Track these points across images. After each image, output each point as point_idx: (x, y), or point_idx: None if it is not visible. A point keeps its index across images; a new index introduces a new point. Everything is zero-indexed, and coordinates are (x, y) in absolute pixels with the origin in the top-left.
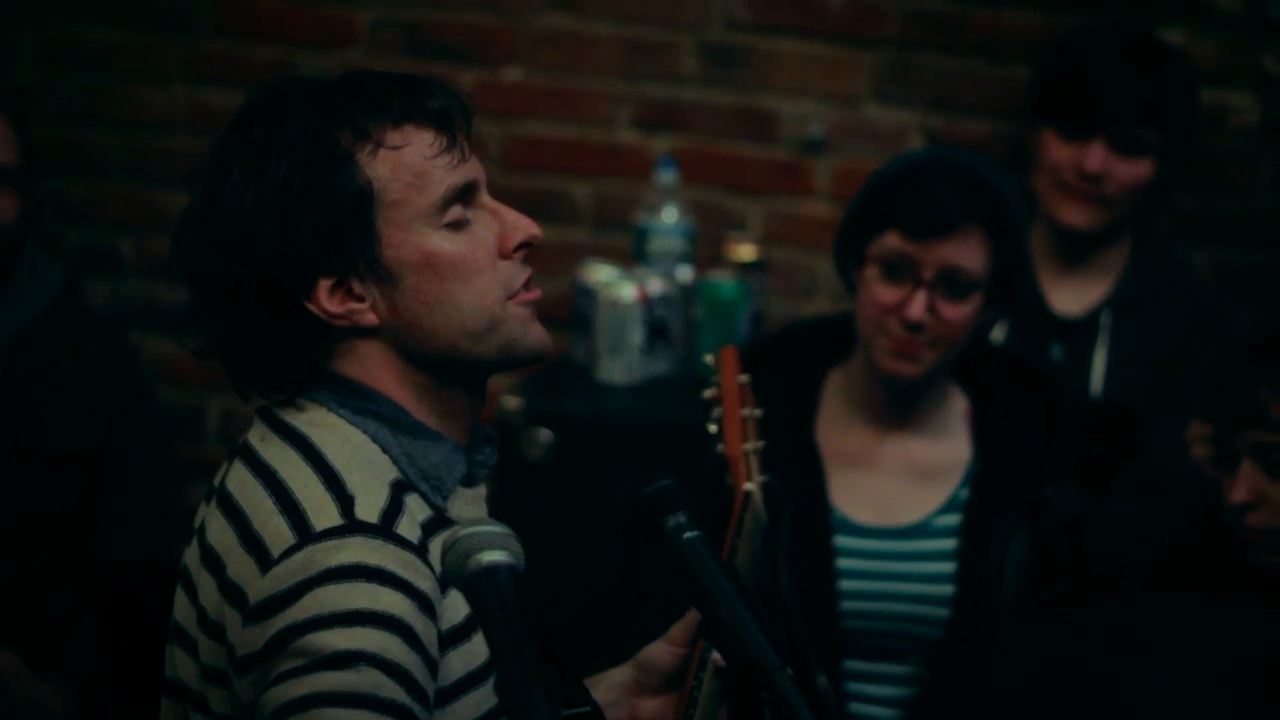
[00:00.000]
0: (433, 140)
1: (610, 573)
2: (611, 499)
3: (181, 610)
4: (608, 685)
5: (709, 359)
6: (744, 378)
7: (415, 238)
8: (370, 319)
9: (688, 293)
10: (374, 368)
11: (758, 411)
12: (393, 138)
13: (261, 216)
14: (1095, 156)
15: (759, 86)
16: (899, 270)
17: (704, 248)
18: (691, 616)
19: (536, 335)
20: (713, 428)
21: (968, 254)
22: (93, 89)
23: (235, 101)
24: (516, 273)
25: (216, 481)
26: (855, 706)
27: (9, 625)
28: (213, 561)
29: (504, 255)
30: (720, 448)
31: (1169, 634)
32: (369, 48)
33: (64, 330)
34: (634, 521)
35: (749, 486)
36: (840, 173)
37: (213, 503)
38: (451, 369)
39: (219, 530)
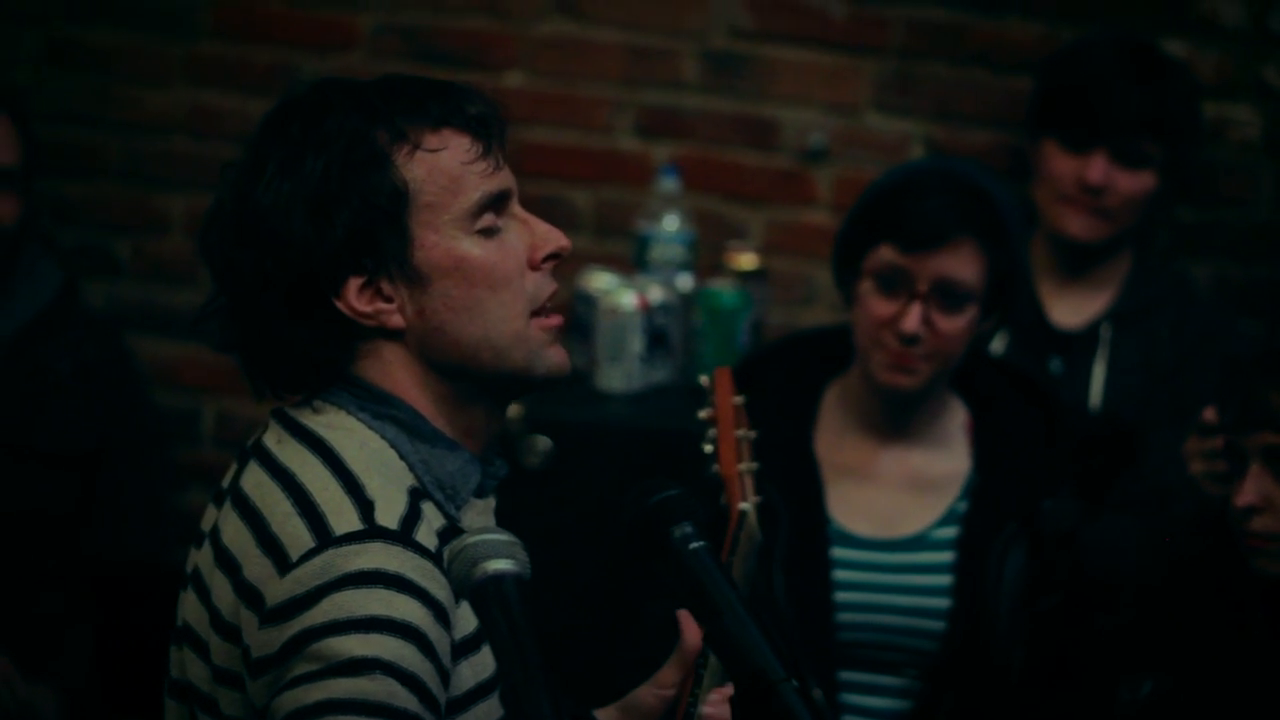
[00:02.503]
0: (469, 146)
1: (608, 582)
2: (618, 508)
3: (192, 612)
4: None
5: (704, 380)
6: (739, 399)
7: (447, 241)
8: (397, 321)
9: (688, 301)
10: (395, 372)
11: (752, 433)
12: (430, 141)
13: (295, 212)
14: (1097, 168)
15: (761, 95)
16: (894, 283)
17: (705, 256)
18: (679, 658)
19: (556, 358)
20: (708, 447)
21: (961, 265)
22: (92, 90)
23: (235, 104)
24: (544, 284)
25: (227, 483)
26: (850, 718)
27: (2, 627)
28: (228, 563)
29: (533, 266)
30: (715, 468)
31: None
32: (370, 52)
33: (62, 331)
34: (640, 531)
35: (744, 506)
36: (841, 182)
37: (226, 504)
38: (471, 381)
39: (234, 531)
